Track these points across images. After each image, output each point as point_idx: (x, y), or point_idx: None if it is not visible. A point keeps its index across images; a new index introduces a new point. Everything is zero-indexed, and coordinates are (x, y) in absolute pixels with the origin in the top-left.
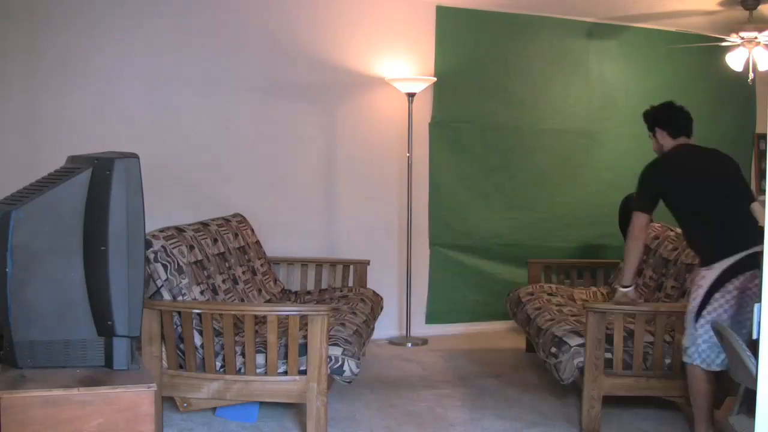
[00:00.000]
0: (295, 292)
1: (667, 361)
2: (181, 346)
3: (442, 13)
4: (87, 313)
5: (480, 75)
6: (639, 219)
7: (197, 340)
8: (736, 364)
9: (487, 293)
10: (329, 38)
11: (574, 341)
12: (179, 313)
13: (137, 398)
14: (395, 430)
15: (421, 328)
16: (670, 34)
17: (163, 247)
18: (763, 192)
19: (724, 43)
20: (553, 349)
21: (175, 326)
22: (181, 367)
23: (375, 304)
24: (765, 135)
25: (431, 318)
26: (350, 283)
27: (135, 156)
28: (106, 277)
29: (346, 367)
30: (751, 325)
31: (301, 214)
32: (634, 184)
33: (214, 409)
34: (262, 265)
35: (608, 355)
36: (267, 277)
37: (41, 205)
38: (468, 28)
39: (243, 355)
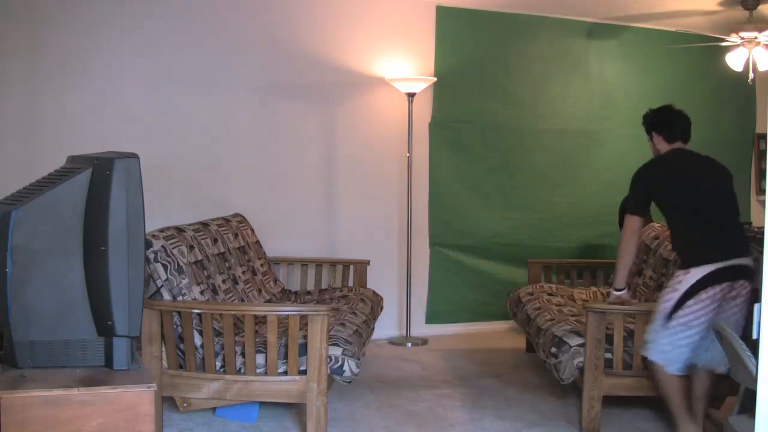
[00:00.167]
0: (295, 292)
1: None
2: (181, 346)
3: (442, 13)
4: (87, 313)
5: (480, 75)
6: (631, 222)
7: (197, 340)
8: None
9: (487, 293)
10: (329, 38)
11: (574, 341)
12: (179, 313)
13: (137, 398)
14: (395, 430)
15: (421, 328)
16: (670, 34)
17: (163, 247)
18: (763, 192)
19: (724, 43)
20: (553, 349)
21: (175, 326)
22: (181, 367)
23: (375, 304)
24: (765, 135)
25: (431, 318)
26: (350, 283)
27: (135, 156)
28: (106, 277)
29: (346, 367)
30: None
31: (301, 214)
32: None
33: (214, 409)
34: (262, 265)
35: (608, 355)
36: (267, 277)
37: (41, 205)
38: (468, 28)
39: (243, 355)
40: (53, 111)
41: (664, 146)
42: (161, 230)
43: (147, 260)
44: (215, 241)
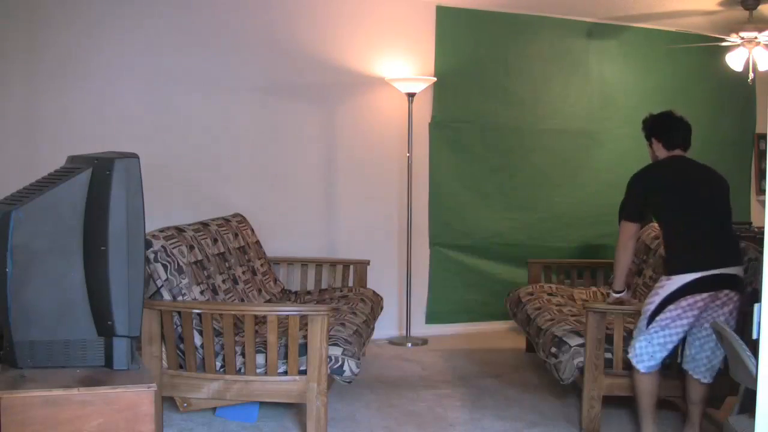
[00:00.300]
0: (295, 292)
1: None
2: (181, 346)
3: (442, 13)
4: (87, 313)
5: (480, 75)
6: (626, 228)
7: (197, 340)
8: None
9: (487, 293)
10: (329, 38)
11: (574, 341)
12: (179, 313)
13: (137, 398)
14: (395, 430)
15: (421, 328)
16: (670, 34)
17: (163, 247)
18: (763, 192)
19: (724, 43)
20: (553, 349)
21: (175, 326)
22: (181, 367)
23: (375, 304)
24: (765, 135)
25: (431, 318)
26: (350, 283)
27: (135, 156)
28: (106, 277)
29: (346, 367)
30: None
31: (301, 214)
32: None
33: (214, 409)
34: (262, 265)
35: (608, 355)
36: (267, 277)
37: (41, 205)
38: (468, 28)
39: (243, 355)
40: (53, 111)
41: (663, 153)
42: (161, 230)
43: (147, 260)
44: (215, 241)
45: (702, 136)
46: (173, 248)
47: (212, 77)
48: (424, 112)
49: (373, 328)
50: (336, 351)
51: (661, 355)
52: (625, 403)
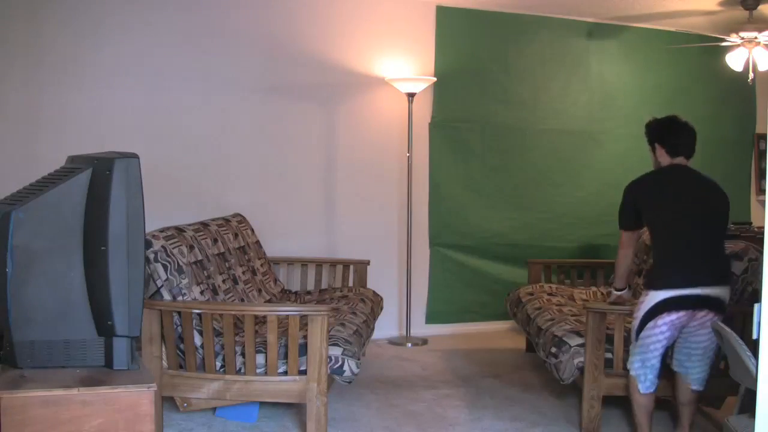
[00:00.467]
0: (295, 292)
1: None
2: (181, 346)
3: (442, 13)
4: (87, 313)
5: (480, 75)
6: (623, 237)
7: (197, 340)
8: (736, 364)
9: (487, 293)
10: (329, 38)
11: (575, 341)
12: (179, 313)
13: (137, 398)
14: (395, 430)
15: (421, 328)
16: (670, 34)
17: (163, 247)
18: (763, 192)
19: (724, 43)
20: (553, 349)
21: (175, 326)
22: (181, 367)
23: (375, 304)
24: (765, 135)
25: (431, 318)
26: (350, 283)
27: (135, 156)
28: (106, 277)
29: (346, 367)
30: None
31: (301, 214)
32: None
33: (214, 409)
34: (262, 265)
35: (608, 355)
36: (267, 277)
37: (41, 205)
38: (468, 28)
39: (243, 355)
40: (53, 111)
41: (665, 159)
42: (161, 230)
43: (147, 260)
44: (215, 241)
45: (702, 136)
46: (173, 248)
47: (212, 77)
48: (424, 112)
49: (373, 328)
50: (336, 351)
51: (652, 375)
52: (625, 403)
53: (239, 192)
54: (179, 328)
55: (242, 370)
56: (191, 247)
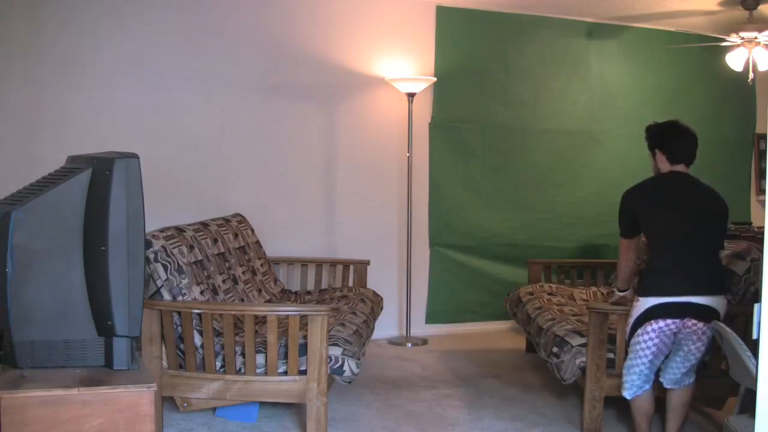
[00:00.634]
0: (295, 292)
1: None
2: (181, 346)
3: (442, 13)
4: (87, 313)
5: (480, 75)
6: (623, 243)
7: (197, 340)
8: (736, 364)
9: (487, 293)
10: (329, 38)
11: (576, 341)
12: (179, 313)
13: (137, 398)
14: (395, 430)
15: (421, 328)
16: (670, 34)
17: (163, 247)
18: (763, 192)
19: (724, 43)
20: (555, 349)
21: (175, 326)
22: (181, 367)
23: (375, 304)
24: (765, 135)
25: (431, 318)
26: (350, 283)
27: (135, 156)
28: (106, 277)
29: (346, 367)
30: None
31: (301, 214)
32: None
33: (214, 409)
34: (262, 265)
35: (610, 356)
36: (267, 277)
37: (41, 205)
38: (468, 28)
39: (243, 355)
40: (53, 111)
41: (665, 166)
42: (161, 230)
43: (147, 260)
44: (215, 241)
45: (702, 136)
46: (173, 248)
47: (212, 77)
48: (424, 112)
49: (373, 328)
50: (336, 351)
51: (639, 381)
52: (626, 404)
53: (239, 192)
54: (179, 328)
55: (242, 370)
56: (191, 247)
